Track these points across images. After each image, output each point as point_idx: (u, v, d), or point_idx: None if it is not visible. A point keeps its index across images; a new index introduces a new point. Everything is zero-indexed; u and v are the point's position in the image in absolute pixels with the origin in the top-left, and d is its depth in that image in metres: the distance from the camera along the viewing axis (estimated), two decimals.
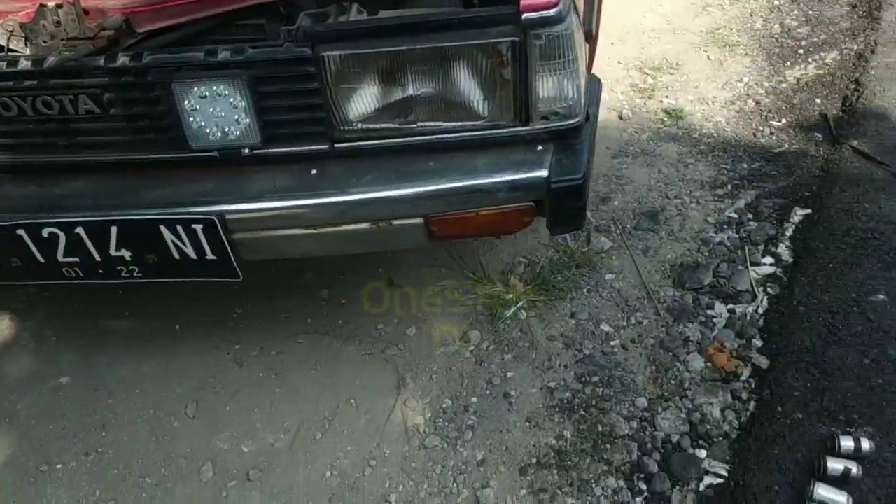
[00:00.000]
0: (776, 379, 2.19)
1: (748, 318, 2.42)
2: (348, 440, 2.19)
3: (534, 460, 2.09)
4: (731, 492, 1.95)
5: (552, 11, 1.60)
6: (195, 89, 1.68)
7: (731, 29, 4.27)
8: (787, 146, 3.23)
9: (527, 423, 2.19)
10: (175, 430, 2.26)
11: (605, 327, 2.45)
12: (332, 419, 2.25)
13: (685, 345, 2.36)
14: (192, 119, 1.72)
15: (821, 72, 3.81)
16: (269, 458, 2.17)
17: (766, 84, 3.72)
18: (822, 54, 3.97)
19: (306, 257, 2.01)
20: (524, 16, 1.58)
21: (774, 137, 3.29)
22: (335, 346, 2.47)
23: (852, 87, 3.60)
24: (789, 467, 1.95)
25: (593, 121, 1.95)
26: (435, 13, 1.72)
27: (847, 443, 1.93)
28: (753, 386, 2.21)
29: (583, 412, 2.20)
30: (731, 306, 2.48)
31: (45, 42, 1.66)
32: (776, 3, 4.52)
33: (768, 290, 2.52)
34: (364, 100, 1.74)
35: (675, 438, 2.10)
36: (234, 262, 1.86)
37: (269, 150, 1.78)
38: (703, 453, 2.06)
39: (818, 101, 3.55)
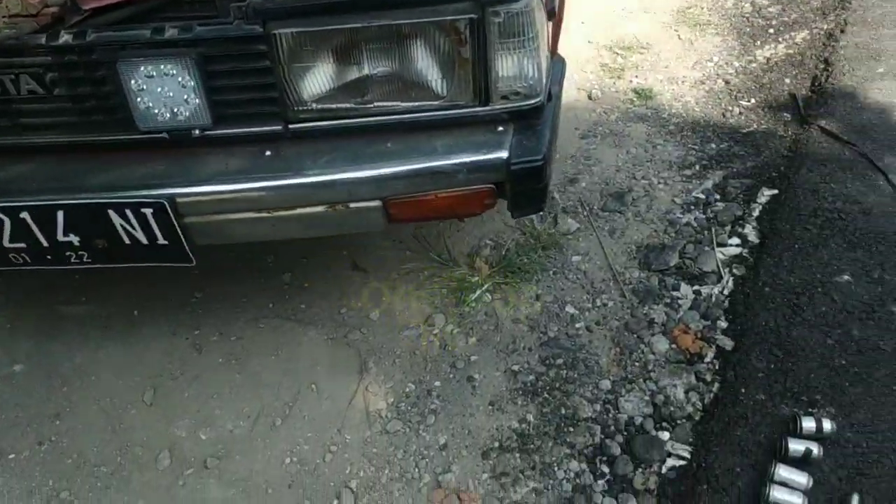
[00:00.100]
0: (740, 360, 2.18)
1: (713, 299, 2.41)
2: (309, 426, 2.16)
3: (496, 444, 2.07)
4: (693, 473, 1.94)
5: None
6: (142, 69, 1.61)
7: (703, 8, 4.26)
8: (755, 126, 3.21)
9: (490, 407, 2.17)
10: (132, 418, 2.22)
11: (571, 309, 2.43)
12: (292, 405, 2.22)
13: (650, 327, 2.34)
14: (139, 99, 1.65)
15: (790, 51, 3.80)
16: (228, 446, 2.13)
17: (735, 64, 3.71)
18: (793, 34, 3.96)
19: (263, 241, 1.96)
20: None
21: (743, 117, 3.27)
22: (297, 331, 2.43)
23: (821, 66, 3.60)
24: (751, 448, 1.95)
25: (556, 101, 1.91)
26: None
27: (809, 424, 1.93)
28: (717, 367, 2.21)
29: (546, 395, 2.18)
30: (696, 287, 2.46)
31: None
32: None
33: (734, 270, 2.51)
34: (318, 79, 1.68)
35: (638, 421, 2.09)
36: (187, 247, 1.80)
37: (221, 132, 1.72)
38: (666, 435, 2.05)
39: (787, 80, 3.54)
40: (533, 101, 1.73)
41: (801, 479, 1.82)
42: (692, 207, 2.77)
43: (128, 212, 1.72)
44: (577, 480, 1.97)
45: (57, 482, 2.06)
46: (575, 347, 2.30)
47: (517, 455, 2.04)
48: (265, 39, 1.58)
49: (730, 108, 3.35)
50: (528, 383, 2.21)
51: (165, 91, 1.64)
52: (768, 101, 3.38)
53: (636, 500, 1.91)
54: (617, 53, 3.82)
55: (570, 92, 3.51)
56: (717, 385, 2.15)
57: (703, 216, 2.73)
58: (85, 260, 1.85)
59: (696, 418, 2.08)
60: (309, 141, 1.76)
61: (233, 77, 1.65)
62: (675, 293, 2.45)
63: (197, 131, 1.71)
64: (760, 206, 2.75)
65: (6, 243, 1.79)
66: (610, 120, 3.31)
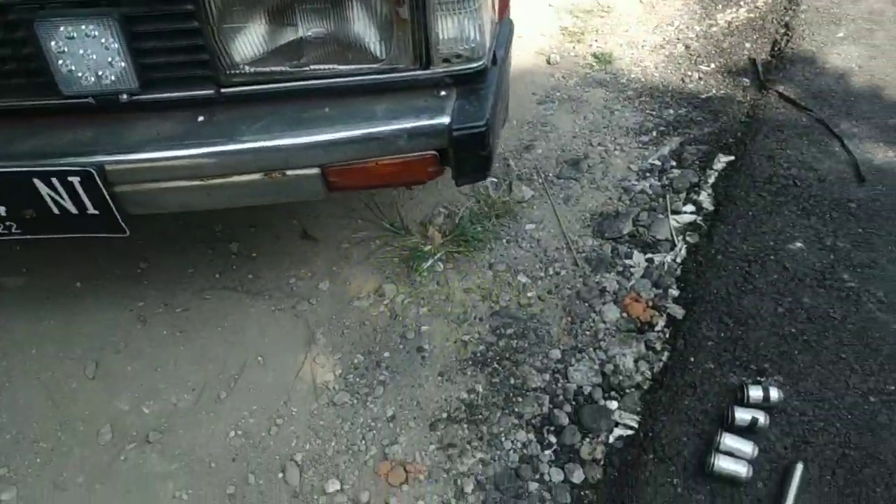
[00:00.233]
0: (690, 329, 2.17)
1: (666, 267, 2.39)
2: (254, 399, 2.12)
3: (444, 415, 2.05)
4: (639, 443, 1.93)
5: None
6: (61, 29, 1.53)
7: None
8: (714, 91, 3.18)
9: (439, 378, 2.14)
10: (73, 392, 2.16)
11: (523, 278, 2.40)
12: (238, 377, 2.17)
13: (602, 295, 2.32)
14: (60, 62, 1.57)
15: (752, 15, 3.77)
16: (171, 419, 2.08)
17: (696, 28, 3.67)
18: None
19: (201, 210, 1.90)
20: None
21: (702, 83, 3.24)
22: (244, 302, 2.37)
23: (782, 31, 3.57)
24: (698, 418, 1.94)
25: (502, 65, 1.86)
26: None
27: (756, 393, 1.92)
28: (667, 336, 2.19)
29: (496, 365, 2.15)
30: (649, 255, 2.44)
31: None
32: None
33: (687, 238, 2.49)
34: (251, 41, 1.61)
35: (587, 390, 2.07)
36: (119, 217, 1.73)
37: (150, 96, 1.65)
38: (614, 405, 2.04)
39: (748, 45, 3.51)
40: (476, 65, 1.68)
41: (747, 447, 1.82)
42: (648, 174, 2.74)
43: (54, 180, 1.64)
44: (525, 451, 1.95)
45: None
46: (526, 317, 2.28)
47: (465, 426, 2.02)
48: None
49: (689, 73, 3.31)
50: (478, 353, 2.19)
51: (88, 53, 1.56)
52: (728, 66, 3.35)
53: (582, 470, 1.90)
54: (577, 17, 3.75)
55: (529, 56, 3.45)
56: (666, 354, 2.14)
57: (659, 183, 2.70)
58: (14, 231, 1.78)
59: (645, 387, 2.07)
60: (244, 106, 1.69)
61: (159, 39, 1.57)
62: (627, 261, 2.42)
63: (124, 96, 1.63)
64: (716, 173, 2.73)
65: None
66: (568, 85, 3.25)
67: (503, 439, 1.98)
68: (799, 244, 2.37)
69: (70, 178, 1.63)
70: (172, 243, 2.56)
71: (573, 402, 2.05)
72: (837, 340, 2.09)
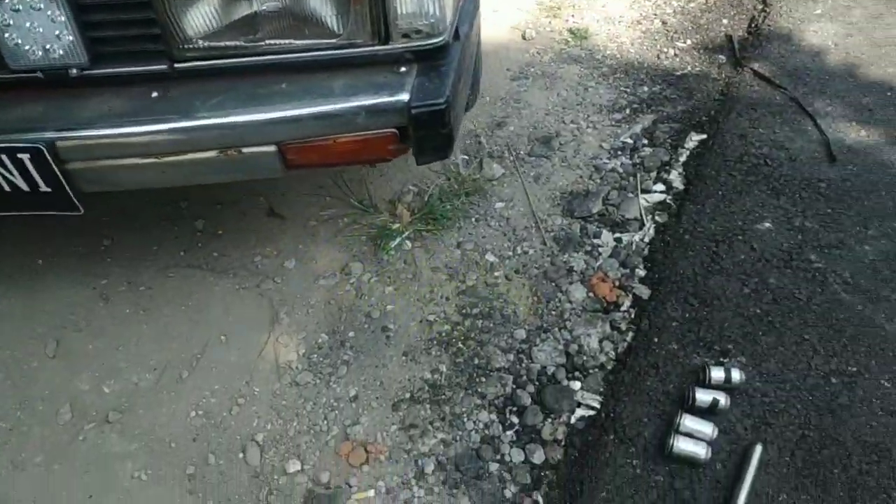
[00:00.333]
0: (655, 309, 2.16)
1: (634, 247, 2.38)
2: (216, 378, 2.10)
3: (407, 395, 2.03)
4: (601, 424, 1.93)
5: None
6: (6, 1, 1.49)
7: None
8: (689, 69, 3.15)
9: (404, 358, 2.12)
10: (33, 372, 2.13)
11: (491, 257, 2.38)
12: (200, 357, 2.15)
13: (569, 275, 2.30)
14: (6, 35, 1.53)
15: None
16: (132, 399, 2.06)
17: (674, 3, 3.63)
18: None
19: (160, 188, 1.86)
20: None
21: (678, 59, 3.21)
22: (208, 281, 2.35)
23: (759, 7, 3.54)
24: (660, 399, 1.94)
25: (466, 41, 1.82)
26: None
27: (717, 374, 1.92)
28: (633, 316, 2.18)
29: (461, 345, 2.14)
30: (618, 235, 2.43)
31: None
32: None
33: (657, 217, 2.47)
34: (204, 15, 1.57)
35: (550, 370, 2.06)
36: (72, 195, 1.70)
37: (101, 71, 1.61)
38: (577, 385, 2.03)
39: (725, 21, 3.48)
40: (436, 41, 1.65)
41: (707, 429, 1.81)
42: (619, 153, 2.72)
43: (4, 157, 1.61)
44: (486, 431, 1.94)
45: None
46: (492, 296, 2.26)
47: (427, 406, 2.01)
48: None
49: (665, 49, 3.28)
50: (443, 333, 2.17)
51: (35, 26, 1.52)
52: (704, 43, 3.32)
53: (543, 451, 1.89)
54: None
55: (504, 31, 3.41)
56: (631, 334, 2.13)
57: (630, 162, 2.68)
58: None
59: (609, 368, 2.06)
60: (199, 81, 1.66)
61: (108, 12, 1.54)
62: (595, 241, 2.40)
63: (74, 71, 1.60)
64: (688, 152, 2.71)
65: None
66: (543, 61, 3.22)
67: (465, 420, 1.97)
68: (767, 224, 2.36)
69: (20, 156, 1.60)
70: (137, 220, 2.52)
71: (536, 383, 2.04)
72: (802, 321, 2.09)
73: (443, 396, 2.02)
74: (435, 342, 2.15)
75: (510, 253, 2.39)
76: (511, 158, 2.72)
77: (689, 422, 1.83)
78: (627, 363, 2.04)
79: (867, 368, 1.97)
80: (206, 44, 1.60)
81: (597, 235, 2.42)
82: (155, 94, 1.65)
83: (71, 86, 1.63)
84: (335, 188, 2.60)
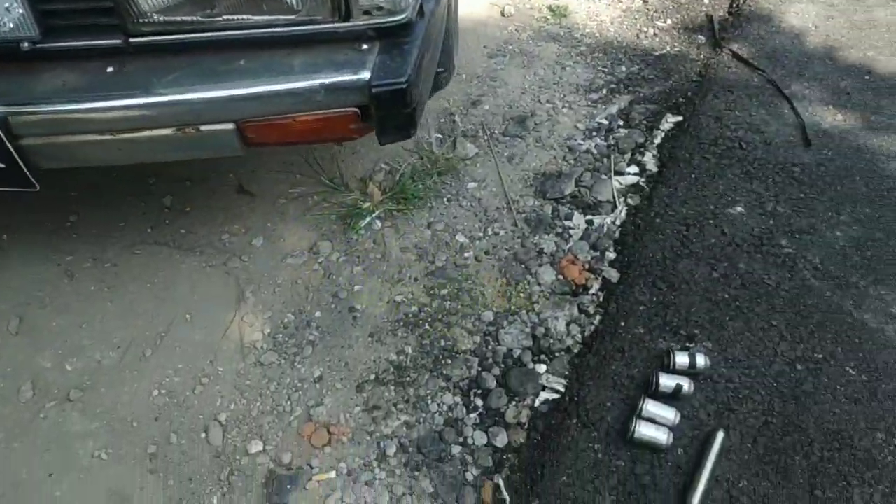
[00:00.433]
0: (623, 293, 2.15)
1: (605, 229, 2.36)
2: (180, 357, 2.08)
3: (372, 377, 2.02)
4: (565, 407, 1.92)
5: None
6: None
7: None
8: (668, 49, 3.12)
9: (370, 339, 2.11)
10: None
11: (461, 238, 2.36)
12: (164, 335, 2.12)
13: (539, 257, 2.28)
14: None
15: None
16: (95, 377, 2.04)
17: None
18: None
19: (123, 165, 1.83)
20: None
21: (657, 39, 3.17)
22: (174, 258, 2.32)
23: None
24: (624, 383, 1.93)
25: (431, 17, 1.78)
26: None
27: (682, 359, 1.91)
28: (601, 300, 2.17)
29: (427, 327, 2.12)
30: (589, 217, 2.41)
31: None
32: None
33: (629, 200, 2.46)
34: None
35: (516, 353, 2.05)
36: (27, 171, 1.66)
37: (54, 45, 1.57)
38: (542, 368, 2.02)
39: (706, 0, 3.43)
40: (398, 18, 1.61)
41: (669, 414, 1.81)
42: (594, 133, 2.69)
43: None
44: (450, 414, 1.93)
45: None
46: (461, 278, 2.24)
47: (392, 388, 1.99)
48: None
49: (645, 28, 3.24)
50: (410, 314, 2.15)
51: None
52: (684, 23, 3.29)
53: (506, 434, 1.89)
54: None
55: (483, 8, 3.36)
56: (598, 318, 2.12)
57: (604, 143, 2.65)
58: None
59: (575, 351, 2.06)
60: (155, 57, 1.62)
61: None
62: (567, 222, 2.39)
63: (26, 44, 1.55)
64: (663, 134, 2.69)
65: None
66: (521, 38, 3.17)
67: (429, 402, 1.96)
68: (739, 208, 2.35)
69: None
70: (104, 196, 2.49)
71: (502, 366, 2.03)
72: (770, 307, 2.08)
73: (408, 378, 2.01)
74: (402, 323, 2.14)
75: (481, 234, 2.37)
76: (485, 138, 2.69)
77: (651, 407, 1.82)
78: (594, 347, 2.04)
79: (833, 355, 1.97)
80: (161, 18, 1.56)
81: (568, 217, 2.40)
82: (110, 70, 1.61)
83: (23, 60, 1.58)
84: (306, 166, 2.57)
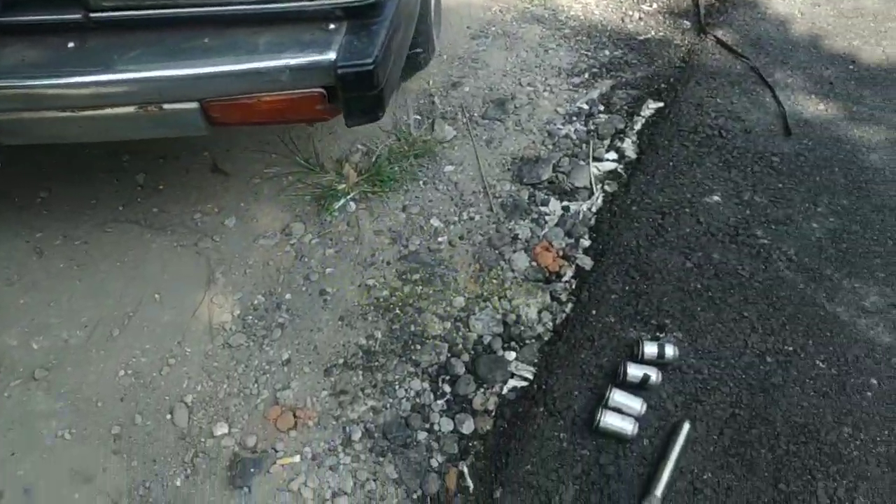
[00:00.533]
0: (596, 281, 2.13)
1: (581, 216, 2.34)
2: (148, 337, 2.06)
3: (341, 361, 2.00)
4: (533, 395, 1.91)
5: None
6: None
7: None
8: (653, 33, 3.08)
9: (340, 322, 2.09)
10: None
11: (436, 222, 2.33)
12: (133, 315, 2.10)
13: (513, 243, 2.26)
14: None
15: None
16: (61, 356, 2.02)
17: None
18: None
19: (84, 142, 1.80)
20: None
21: (642, 23, 3.13)
22: (146, 237, 2.29)
23: None
24: (593, 372, 1.92)
25: None
26: None
27: (651, 349, 1.90)
28: (574, 287, 2.15)
29: (398, 311, 2.10)
30: (566, 203, 2.38)
31: None
32: None
33: (606, 187, 2.43)
34: None
35: (486, 340, 2.04)
36: None
37: (13, 19, 1.55)
38: (512, 356, 2.01)
39: None
40: None
41: (635, 404, 1.80)
42: (574, 118, 2.66)
43: None
44: (417, 400, 1.92)
45: None
46: (434, 262, 2.22)
47: (360, 373, 1.98)
48: None
49: (630, 12, 3.20)
50: (381, 298, 2.14)
51: None
52: (670, 7, 3.24)
53: (473, 421, 1.88)
54: None
55: None
56: (570, 306, 2.10)
57: (584, 128, 2.62)
58: None
59: (545, 339, 2.04)
60: (117, 33, 1.59)
61: None
62: (543, 208, 2.36)
63: None
64: (643, 120, 2.66)
65: None
66: (505, 20, 3.13)
67: (397, 387, 1.94)
68: (716, 197, 2.33)
69: None
70: (77, 172, 2.46)
71: (472, 352, 2.02)
72: (742, 298, 2.07)
73: (376, 363, 2.00)
74: (372, 307, 2.12)
75: (456, 218, 2.35)
76: (464, 120, 2.66)
77: (618, 396, 1.81)
78: (564, 335, 2.02)
79: (803, 348, 1.96)
80: None
81: (544, 203, 2.38)
82: (71, 45, 1.58)
83: None
84: (281, 145, 2.54)
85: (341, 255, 2.25)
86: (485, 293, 2.15)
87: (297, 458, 1.83)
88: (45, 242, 2.28)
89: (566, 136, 2.59)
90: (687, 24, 3.12)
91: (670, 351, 1.90)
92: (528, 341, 2.04)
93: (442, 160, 2.53)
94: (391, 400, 1.92)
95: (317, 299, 2.15)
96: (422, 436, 1.86)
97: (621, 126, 2.63)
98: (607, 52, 2.96)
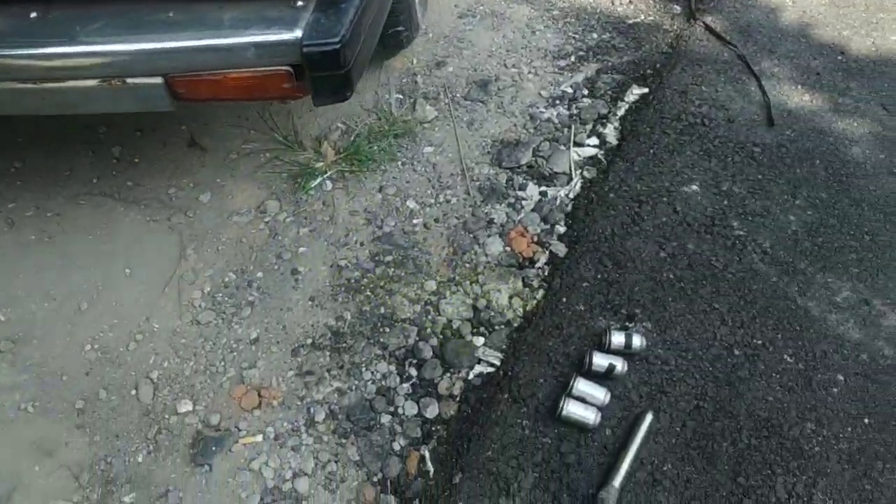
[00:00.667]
0: (569, 268, 2.11)
1: (558, 202, 2.31)
2: (116, 312, 2.05)
3: (309, 341, 2.00)
4: (498, 382, 1.90)
5: None
6: None
7: None
8: (642, 17, 3.04)
9: (310, 303, 2.08)
10: None
11: (412, 204, 2.31)
12: (102, 289, 2.09)
13: (488, 227, 2.24)
14: None
15: None
16: (27, 329, 2.01)
17: None
18: None
19: (40, 115, 1.77)
20: None
21: (632, 7, 3.09)
22: (118, 211, 2.27)
23: None
24: (559, 360, 1.91)
25: None
26: None
27: (618, 339, 1.89)
28: (546, 274, 2.14)
29: (369, 293, 2.09)
30: (543, 188, 2.36)
31: None
32: None
33: (585, 173, 2.41)
34: None
35: (456, 325, 2.03)
36: None
37: None
38: (480, 341, 2.00)
39: None
40: None
41: (599, 393, 1.79)
42: (557, 102, 2.63)
43: None
44: (383, 382, 1.92)
45: None
46: (408, 245, 2.21)
47: (327, 353, 1.97)
48: None
49: None
50: (352, 280, 2.12)
51: None
52: None
53: (437, 405, 1.87)
54: None
55: None
56: (541, 292, 2.09)
57: (567, 112, 2.59)
58: None
59: (515, 325, 2.03)
60: (81, 4, 1.57)
61: None
62: (520, 193, 2.34)
63: None
64: (627, 105, 2.63)
65: None
66: None
67: (363, 370, 1.94)
68: (694, 187, 2.30)
69: None
70: (52, 144, 2.43)
71: (440, 336, 2.01)
72: (714, 290, 2.05)
73: (344, 344, 1.99)
74: (343, 288, 2.11)
75: (432, 201, 2.33)
76: (446, 101, 2.63)
77: (582, 386, 1.80)
78: (533, 322, 2.01)
79: (772, 342, 1.95)
80: None
81: (522, 188, 2.35)
82: (34, 15, 1.55)
83: None
84: (260, 121, 2.51)
85: (315, 234, 2.24)
86: (457, 277, 2.13)
87: (259, 438, 1.83)
88: (16, 213, 2.26)
89: (548, 119, 2.56)
90: (677, 9, 3.08)
91: (637, 341, 1.89)
92: (497, 327, 2.02)
93: (422, 141, 2.50)
94: (357, 382, 1.92)
95: (288, 278, 2.13)
96: (385, 419, 1.85)
97: (604, 111, 2.59)
98: (595, 36, 2.92)
